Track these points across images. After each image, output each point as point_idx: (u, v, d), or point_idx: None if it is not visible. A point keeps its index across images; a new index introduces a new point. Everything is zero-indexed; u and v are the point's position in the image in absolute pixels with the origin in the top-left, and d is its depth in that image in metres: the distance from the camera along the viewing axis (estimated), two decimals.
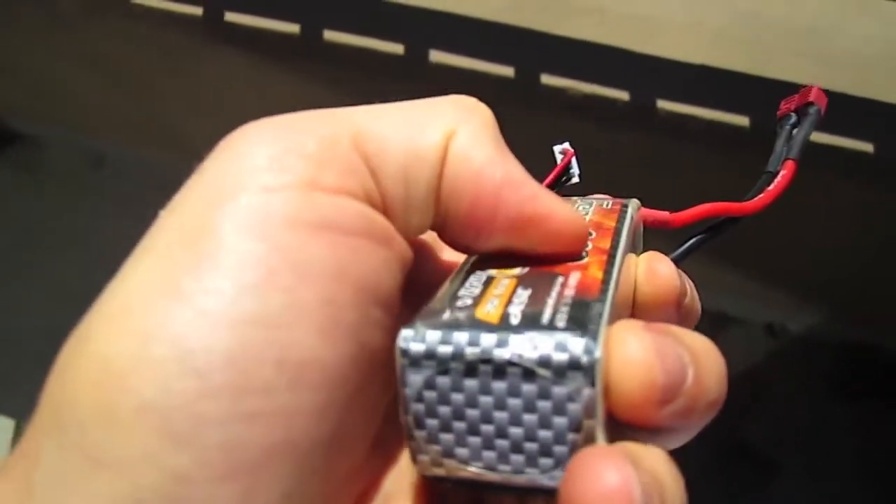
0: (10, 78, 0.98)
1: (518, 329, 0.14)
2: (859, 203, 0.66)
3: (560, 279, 0.16)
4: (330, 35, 0.63)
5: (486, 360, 0.14)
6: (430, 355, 0.14)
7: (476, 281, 0.16)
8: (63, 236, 1.05)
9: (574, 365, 0.13)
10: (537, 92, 0.59)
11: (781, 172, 0.24)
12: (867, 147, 0.55)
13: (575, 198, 0.22)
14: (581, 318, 0.14)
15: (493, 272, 0.17)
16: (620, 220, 0.19)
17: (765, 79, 0.54)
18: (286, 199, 0.14)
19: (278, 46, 0.66)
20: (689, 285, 0.19)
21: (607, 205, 0.21)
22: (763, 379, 0.89)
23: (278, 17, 0.65)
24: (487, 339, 0.14)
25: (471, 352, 0.14)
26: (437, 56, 0.61)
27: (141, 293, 0.14)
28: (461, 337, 0.14)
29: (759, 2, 0.55)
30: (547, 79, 0.58)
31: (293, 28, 0.64)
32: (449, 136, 0.16)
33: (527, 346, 0.14)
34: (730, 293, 0.86)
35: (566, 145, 0.23)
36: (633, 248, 0.20)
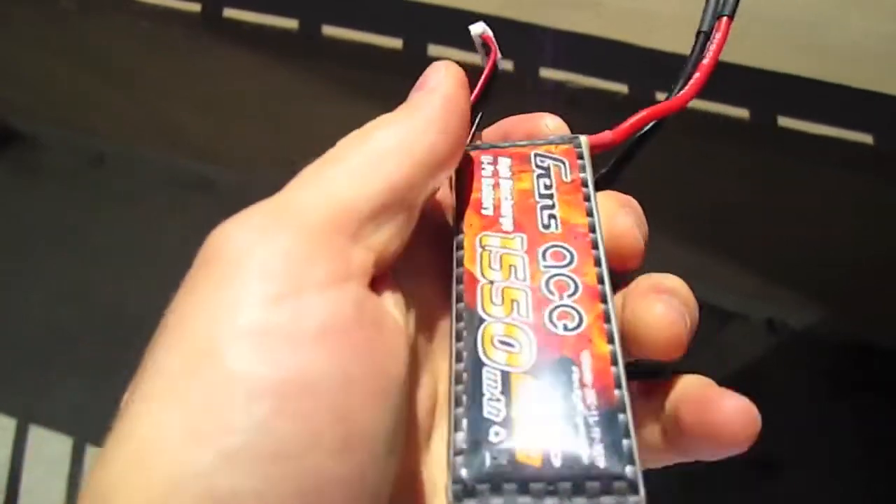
0: (10, 78, 0.98)
1: (562, 473, 0.15)
2: (860, 197, 0.66)
3: (575, 372, 0.16)
4: (329, 30, 0.63)
5: None
6: None
7: (492, 382, 0.16)
8: (63, 236, 1.05)
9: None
10: (536, 86, 0.58)
11: (716, 35, 0.20)
12: (867, 139, 0.55)
13: (521, 143, 0.21)
14: (615, 445, 0.15)
15: (503, 363, 0.16)
16: (592, 213, 0.19)
17: (764, 71, 0.54)
18: (282, 311, 0.14)
19: (277, 42, 0.66)
20: (638, 223, 0.20)
21: (566, 173, 0.20)
22: (763, 374, 0.89)
23: (277, 13, 0.64)
24: (536, 489, 0.15)
25: (522, 501, 0.15)
26: (435, 50, 0.61)
27: (160, 439, 0.13)
28: (510, 488, 0.15)
29: None
30: (545, 72, 0.58)
31: (291, 24, 0.64)
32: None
33: (574, 492, 0.14)
34: (731, 289, 0.86)
35: (481, 26, 0.20)
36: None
